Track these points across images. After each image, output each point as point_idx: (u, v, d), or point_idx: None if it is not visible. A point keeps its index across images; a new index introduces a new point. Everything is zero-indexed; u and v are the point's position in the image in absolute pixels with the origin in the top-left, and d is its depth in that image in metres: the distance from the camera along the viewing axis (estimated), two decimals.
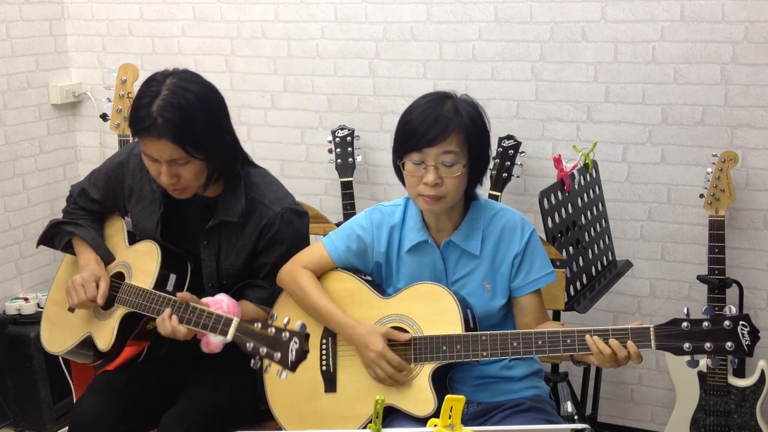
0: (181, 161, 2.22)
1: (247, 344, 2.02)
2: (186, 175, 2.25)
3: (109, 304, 2.40)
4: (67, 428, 3.26)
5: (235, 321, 2.07)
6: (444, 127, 2.11)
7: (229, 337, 2.06)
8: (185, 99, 2.20)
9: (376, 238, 2.31)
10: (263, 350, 1.99)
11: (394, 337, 2.18)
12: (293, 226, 2.42)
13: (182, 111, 2.18)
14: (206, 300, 2.23)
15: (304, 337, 1.96)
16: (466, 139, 2.13)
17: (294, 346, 1.95)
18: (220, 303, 2.23)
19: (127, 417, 2.33)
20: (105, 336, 2.37)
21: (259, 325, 2.02)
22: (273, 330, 1.99)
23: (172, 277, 2.37)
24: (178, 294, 2.22)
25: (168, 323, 2.19)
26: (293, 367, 1.96)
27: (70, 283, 2.40)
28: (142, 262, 2.40)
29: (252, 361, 2.03)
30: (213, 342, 2.19)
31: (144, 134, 2.19)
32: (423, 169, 2.13)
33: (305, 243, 2.46)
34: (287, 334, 1.97)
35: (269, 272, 2.42)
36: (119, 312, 2.36)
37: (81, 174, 4.20)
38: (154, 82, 2.24)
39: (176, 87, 2.21)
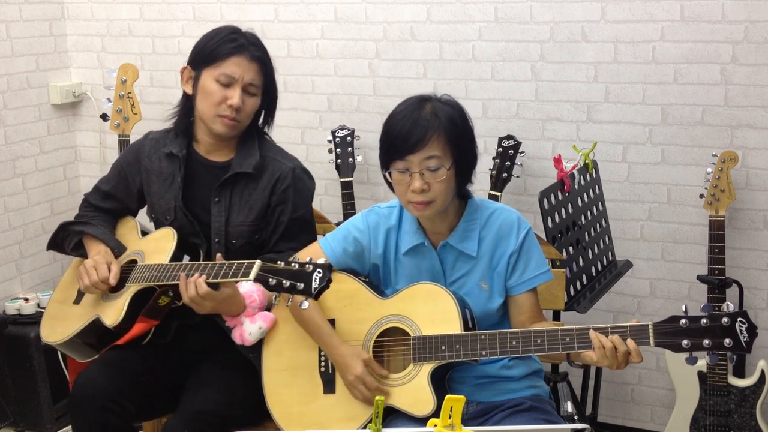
0: (253, 89, 2.43)
1: (270, 280, 2.04)
2: (248, 107, 2.44)
3: (119, 287, 2.42)
4: (67, 428, 3.27)
5: (258, 262, 2.09)
6: (423, 133, 2.11)
7: (252, 276, 2.07)
8: (263, 44, 2.49)
9: (373, 241, 2.32)
10: (286, 283, 2.01)
11: (373, 368, 2.19)
12: (304, 184, 2.53)
13: (264, 49, 2.48)
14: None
15: (327, 267, 2.00)
16: (448, 141, 2.13)
17: (317, 275, 1.99)
18: (252, 293, 2.30)
19: (129, 392, 2.34)
20: (114, 313, 2.38)
21: (282, 263, 2.04)
22: (296, 265, 2.02)
23: (186, 259, 2.42)
24: (218, 255, 2.29)
25: (192, 285, 2.20)
26: (317, 295, 1.99)
27: (81, 267, 2.43)
28: (157, 245, 2.45)
29: (274, 297, 2.05)
30: (247, 339, 2.23)
31: (237, 52, 2.41)
32: (409, 177, 2.13)
33: (309, 208, 2.54)
34: (311, 267, 2.01)
35: (284, 232, 2.46)
36: (131, 290, 2.38)
37: (81, 174, 4.20)
38: (228, 27, 2.48)
39: (253, 34, 2.49)
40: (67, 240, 2.61)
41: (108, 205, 2.64)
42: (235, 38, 2.43)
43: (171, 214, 2.51)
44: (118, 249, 2.53)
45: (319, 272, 1.99)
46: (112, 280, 2.40)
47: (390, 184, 2.22)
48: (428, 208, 2.16)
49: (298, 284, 2.00)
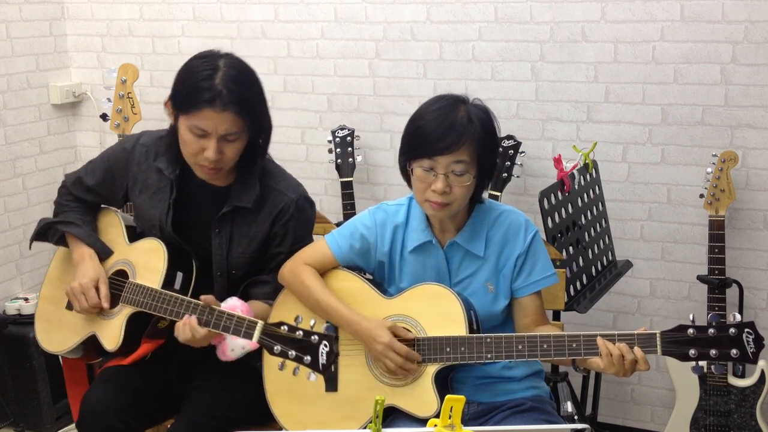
0: (232, 137, 2.23)
1: (275, 348, 2.02)
2: (229, 153, 2.26)
3: (112, 303, 2.39)
4: (67, 428, 3.27)
5: (260, 324, 2.06)
6: (458, 137, 2.09)
7: (254, 340, 2.05)
8: (245, 75, 2.26)
9: (380, 238, 2.31)
10: (292, 353, 1.99)
11: (398, 333, 2.18)
12: (306, 214, 2.45)
13: (245, 85, 2.24)
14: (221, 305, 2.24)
15: (333, 339, 1.97)
16: (478, 148, 2.12)
17: (324, 349, 1.96)
18: (235, 308, 2.24)
19: (133, 408, 2.33)
20: (112, 337, 2.35)
21: (286, 328, 2.01)
22: (301, 333, 1.99)
23: (179, 276, 2.37)
24: (202, 297, 2.21)
25: (188, 329, 2.18)
26: (325, 371, 1.97)
27: (69, 291, 2.38)
28: (147, 261, 2.39)
29: (279, 364, 2.02)
30: (229, 355, 2.21)
31: (206, 106, 2.18)
32: (432, 176, 2.12)
33: (310, 236, 2.48)
34: (316, 338, 1.98)
35: (282, 262, 2.41)
36: (125, 311, 2.34)
37: None
38: (207, 59, 2.26)
39: (234, 63, 2.26)
40: (50, 233, 2.55)
41: (89, 198, 2.56)
42: (207, 86, 2.18)
43: (157, 232, 2.44)
44: (103, 252, 2.47)
45: (325, 345, 1.96)
46: (105, 304, 2.35)
47: (407, 177, 2.22)
48: (444, 210, 2.16)
49: (305, 357, 1.98)
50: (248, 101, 2.23)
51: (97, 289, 2.37)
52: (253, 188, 2.37)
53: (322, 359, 1.96)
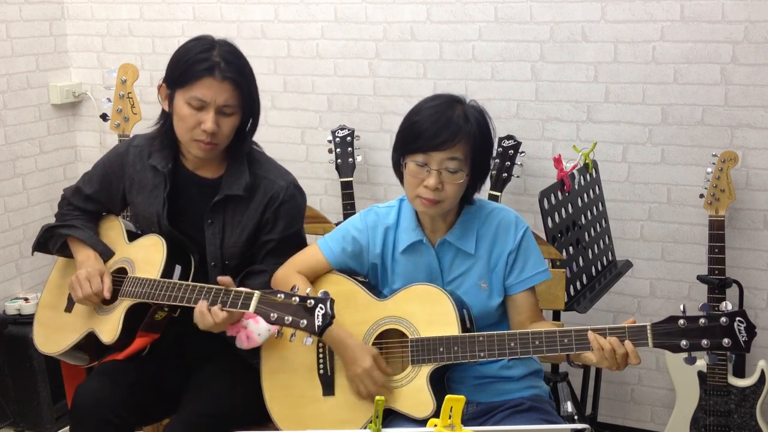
0: (229, 110, 2.31)
1: (271, 315, 2.01)
2: (225, 128, 2.32)
3: (111, 298, 2.39)
4: (67, 428, 3.26)
5: (257, 294, 2.06)
6: (453, 134, 2.11)
7: (251, 309, 2.05)
8: (239, 53, 2.38)
9: (372, 240, 2.31)
10: (288, 318, 1.99)
11: (380, 365, 2.18)
12: (296, 201, 2.47)
13: (240, 60, 2.36)
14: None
15: (329, 302, 1.97)
16: (472, 147, 2.13)
17: (320, 311, 1.96)
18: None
19: (129, 403, 2.33)
20: (110, 329, 2.36)
21: (282, 295, 2.02)
22: (297, 299, 1.99)
23: (178, 268, 2.38)
24: (219, 278, 2.20)
25: (209, 315, 2.16)
26: (320, 332, 1.97)
27: (74, 278, 2.39)
28: (147, 255, 2.41)
29: (276, 331, 2.03)
30: (256, 339, 2.18)
31: (206, 74, 2.27)
32: (426, 172, 2.13)
33: (301, 224, 2.50)
34: (312, 302, 1.98)
35: (273, 249, 2.42)
36: (124, 304, 2.35)
37: (81, 174, 4.18)
38: (201, 40, 2.36)
39: (227, 43, 2.38)
40: (51, 241, 2.57)
41: (90, 207, 2.60)
42: (205, 57, 2.28)
43: (156, 228, 2.46)
44: (105, 253, 2.49)
45: (321, 308, 1.96)
46: (106, 294, 2.36)
47: (400, 173, 2.22)
48: (435, 207, 2.16)
49: (301, 321, 1.97)
50: (244, 75, 2.34)
51: (101, 280, 2.38)
52: (243, 176, 2.40)
53: (318, 321, 1.95)
